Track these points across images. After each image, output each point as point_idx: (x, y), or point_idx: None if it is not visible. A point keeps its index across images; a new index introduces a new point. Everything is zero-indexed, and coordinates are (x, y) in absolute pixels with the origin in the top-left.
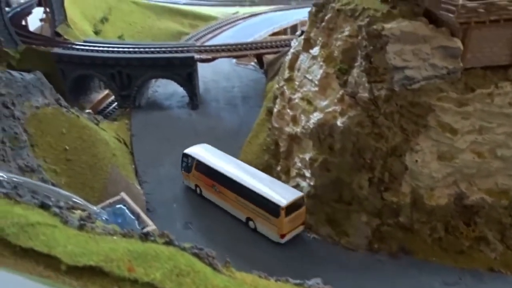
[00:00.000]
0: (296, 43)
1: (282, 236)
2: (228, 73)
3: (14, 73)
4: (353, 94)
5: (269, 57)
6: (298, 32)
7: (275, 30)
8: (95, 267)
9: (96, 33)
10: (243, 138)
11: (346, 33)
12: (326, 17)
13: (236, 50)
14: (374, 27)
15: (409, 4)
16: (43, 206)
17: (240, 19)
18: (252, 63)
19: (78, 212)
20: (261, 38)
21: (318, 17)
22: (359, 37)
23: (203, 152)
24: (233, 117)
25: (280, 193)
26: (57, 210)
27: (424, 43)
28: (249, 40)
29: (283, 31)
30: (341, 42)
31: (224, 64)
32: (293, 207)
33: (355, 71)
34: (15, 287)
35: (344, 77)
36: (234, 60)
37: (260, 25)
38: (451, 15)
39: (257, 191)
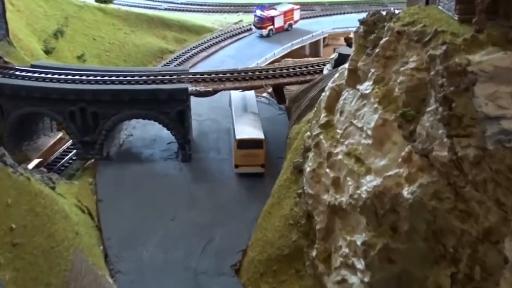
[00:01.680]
0: (334, 73)
1: (235, 166)
2: None
3: None
4: (425, 152)
5: (292, 88)
6: (333, 55)
7: (295, 47)
8: None
9: (48, 52)
10: (259, 206)
11: (412, 64)
12: (381, 42)
13: (246, 79)
14: (456, 60)
15: (501, 26)
16: None
17: (245, 31)
18: (265, 94)
19: None
20: (275, 58)
21: (368, 40)
22: (432, 72)
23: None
24: (242, 174)
25: (244, 130)
26: None
27: None
28: (260, 61)
29: (303, 51)
30: (405, 77)
31: (226, 96)
32: (247, 144)
33: (426, 119)
34: None
35: (410, 127)
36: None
37: (274, 40)
38: None
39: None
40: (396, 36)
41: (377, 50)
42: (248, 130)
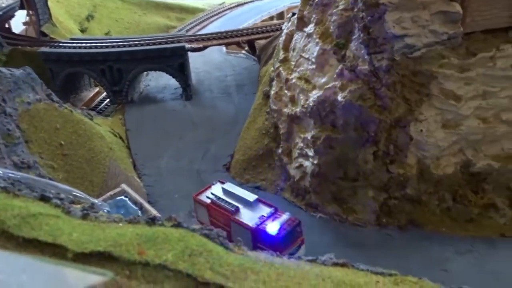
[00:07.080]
0: (289, 24)
1: None
2: (219, 62)
3: (3, 69)
4: (353, 68)
5: (261, 42)
6: (290, 15)
7: (263, 18)
8: (104, 253)
9: (82, 31)
10: (241, 125)
11: (341, 6)
12: None
13: (227, 37)
14: None
15: None
16: (44, 199)
17: (227, 9)
18: (243, 51)
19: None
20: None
21: None
22: (355, 9)
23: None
24: (229, 105)
25: None
26: (58, 201)
27: (423, 10)
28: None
29: (270, 19)
30: (336, 16)
31: (215, 54)
32: None
33: (353, 45)
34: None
35: (342, 52)
36: (224, 49)
37: (248, 14)
38: None
39: None
40: None
41: (316, 0)
42: None
